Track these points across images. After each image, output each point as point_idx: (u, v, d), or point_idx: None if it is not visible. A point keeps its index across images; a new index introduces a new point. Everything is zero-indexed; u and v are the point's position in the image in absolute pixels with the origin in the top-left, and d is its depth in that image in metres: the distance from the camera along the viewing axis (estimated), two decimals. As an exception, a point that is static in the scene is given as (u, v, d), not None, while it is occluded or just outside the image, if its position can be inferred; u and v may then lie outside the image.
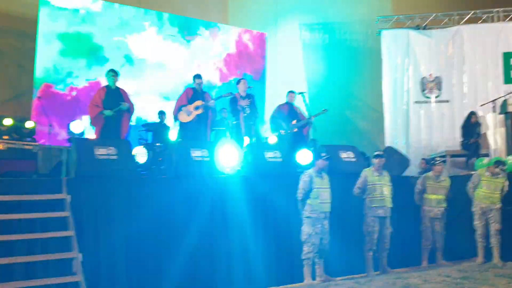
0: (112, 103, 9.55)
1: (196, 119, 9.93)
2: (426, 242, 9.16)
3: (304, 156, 9.26)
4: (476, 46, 14.59)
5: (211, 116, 10.29)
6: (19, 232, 6.42)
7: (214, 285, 7.66)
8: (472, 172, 9.92)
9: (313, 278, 7.87)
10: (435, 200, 9.16)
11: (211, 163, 8.09)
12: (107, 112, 9.44)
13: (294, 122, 10.80)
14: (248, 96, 10.24)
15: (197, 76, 10.28)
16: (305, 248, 7.73)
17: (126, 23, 14.34)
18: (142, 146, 10.38)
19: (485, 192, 8.98)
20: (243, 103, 10.12)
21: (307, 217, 7.77)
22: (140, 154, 9.11)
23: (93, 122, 9.57)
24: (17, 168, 8.50)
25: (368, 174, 8.54)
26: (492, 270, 8.35)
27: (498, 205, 8.89)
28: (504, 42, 14.42)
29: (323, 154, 8.06)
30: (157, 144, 10.39)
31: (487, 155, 11.84)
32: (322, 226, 7.78)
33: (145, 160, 8.94)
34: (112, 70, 9.87)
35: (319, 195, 7.77)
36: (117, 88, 9.81)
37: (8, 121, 9.88)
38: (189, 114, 9.98)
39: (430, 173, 9.39)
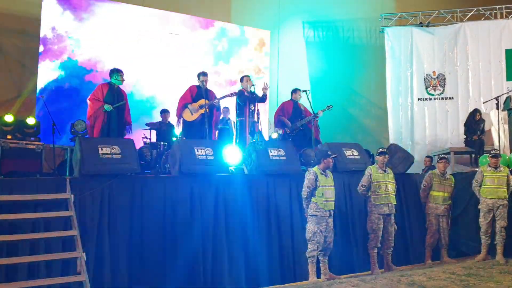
0: (113, 101, 9.57)
1: (200, 118, 9.93)
2: (431, 240, 9.15)
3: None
4: (479, 43, 14.58)
5: (216, 115, 10.29)
6: (22, 232, 6.44)
7: (218, 283, 7.65)
8: (477, 169, 9.90)
9: (318, 276, 7.86)
10: (441, 197, 9.15)
11: (215, 161, 8.07)
12: (107, 107, 9.44)
13: (299, 120, 10.82)
14: (251, 93, 10.24)
15: (203, 74, 10.26)
16: (310, 246, 7.72)
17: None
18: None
19: (489, 187, 8.95)
20: (247, 100, 10.15)
21: (312, 215, 7.75)
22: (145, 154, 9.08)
23: (92, 117, 9.53)
24: (21, 168, 8.49)
25: (373, 171, 8.53)
26: (496, 267, 8.32)
27: (505, 201, 8.85)
28: (507, 39, 14.40)
29: (330, 153, 8.05)
30: (161, 143, 10.37)
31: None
32: (326, 224, 7.77)
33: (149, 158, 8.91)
34: (120, 70, 9.87)
35: (324, 193, 7.76)
36: (119, 88, 9.83)
37: (9, 118, 9.86)
38: (194, 113, 9.98)
39: (435, 170, 9.38)
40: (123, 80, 9.84)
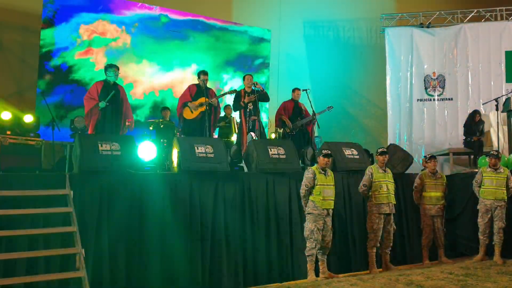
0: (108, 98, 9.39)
1: (200, 116, 9.92)
2: (426, 240, 9.16)
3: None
4: (479, 45, 14.58)
5: (215, 113, 10.27)
6: (22, 228, 6.44)
7: (216, 280, 7.66)
8: (476, 170, 9.91)
9: (317, 275, 7.87)
10: (434, 197, 9.16)
11: (215, 159, 8.07)
12: (101, 104, 9.27)
13: (298, 119, 10.82)
14: (253, 92, 10.23)
15: (203, 72, 10.24)
16: (308, 244, 7.74)
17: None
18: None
19: (488, 188, 8.95)
20: (247, 99, 10.14)
21: (310, 213, 7.79)
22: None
23: (88, 115, 9.40)
24: (20, 164, 8.50)
25: (373, 171, 8.54)
26: (494, 267, 8.33)
27: (503, 202, 8.86)
28: (507, 41, 14.40)
29: (323, 151, 8.07)
30: (161, 140, 10.37)
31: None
32: (324, 223, 7.80)
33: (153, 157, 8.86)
34: (114, 65, 9.66)
35: (322, 191, 7.78)
36: (115, 84, 9.60)
37: (6, 115, 9.84)
38: (194, 111, 9.97)
39: (426, 171, 9.39)
40: (117, 75, 9.61)
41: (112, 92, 9.30)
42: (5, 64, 12.84)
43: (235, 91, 10.37)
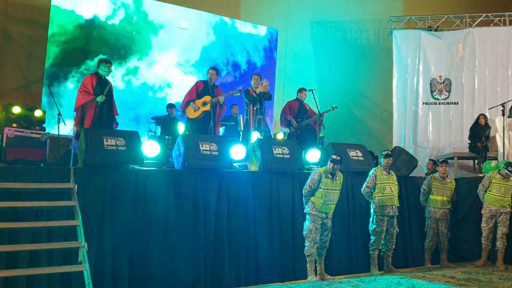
0: (102, 92, 9.23)
1: (203, 115, 9.89)
2: (430, 243, 9.16)
3: (313, 155, 9.30)
4: (487, 49, 14.54)
5: (219, 112, 10.23)
6: (25, 220, 6.46)
7: (218, 278, 7.67)
8: (480, 175, 9.88)
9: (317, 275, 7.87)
10: (440, 201, 9.15)
11: (219, 157, 8.05)
12: (99, 98, 9.16)
13: (304, 118, 10.82)
14: (260, 92, 10.23)
15: (212, 68, 10.22)
16: (306, 244, 7.75)
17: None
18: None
19: (495, 195, 8.94)
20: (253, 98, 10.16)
21: (309, 213, 7.79)
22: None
23: (80, 108, 9.20)
24: (26, 156, 8.53)
25: (378, 173, 8.53)
26: (496, 273, 8.33)
27: (508, 209, 8.85)
28: (515, 46, 14.38)
29: (334, 157, 7.98)
30: (166, 137, 10.37)
31: (495, 158, 11.81)
32: (323, 224, 7.80)
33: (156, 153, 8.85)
34: (107, 61, 9.65)
35: (324, 195, 7.75)
36: (106, 79, 9.55)
37: (16, 109, 9.88)
38: (196, 110, 9.93)
39: (436, 174, 9.38)
40: (110, 71, 9.62)
41: (108, 86, 9.32)
42: (13, 57, 12.87)
43: (240, 90, 10.35)
